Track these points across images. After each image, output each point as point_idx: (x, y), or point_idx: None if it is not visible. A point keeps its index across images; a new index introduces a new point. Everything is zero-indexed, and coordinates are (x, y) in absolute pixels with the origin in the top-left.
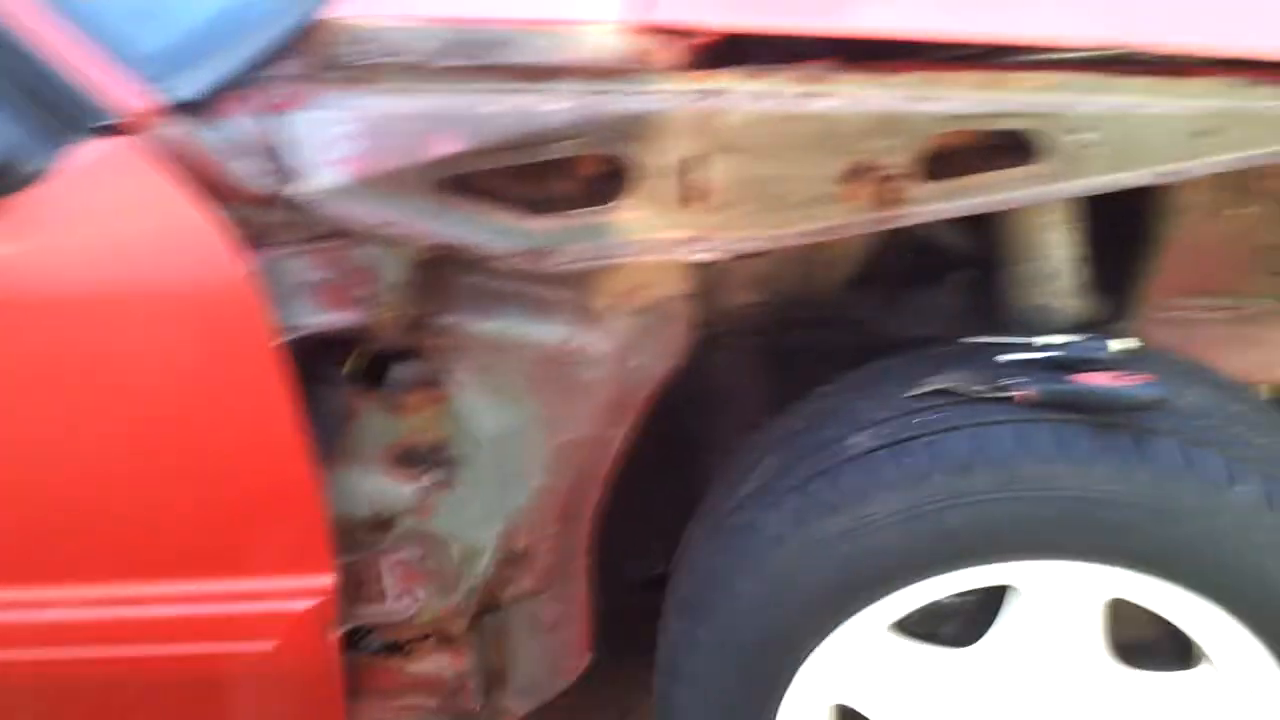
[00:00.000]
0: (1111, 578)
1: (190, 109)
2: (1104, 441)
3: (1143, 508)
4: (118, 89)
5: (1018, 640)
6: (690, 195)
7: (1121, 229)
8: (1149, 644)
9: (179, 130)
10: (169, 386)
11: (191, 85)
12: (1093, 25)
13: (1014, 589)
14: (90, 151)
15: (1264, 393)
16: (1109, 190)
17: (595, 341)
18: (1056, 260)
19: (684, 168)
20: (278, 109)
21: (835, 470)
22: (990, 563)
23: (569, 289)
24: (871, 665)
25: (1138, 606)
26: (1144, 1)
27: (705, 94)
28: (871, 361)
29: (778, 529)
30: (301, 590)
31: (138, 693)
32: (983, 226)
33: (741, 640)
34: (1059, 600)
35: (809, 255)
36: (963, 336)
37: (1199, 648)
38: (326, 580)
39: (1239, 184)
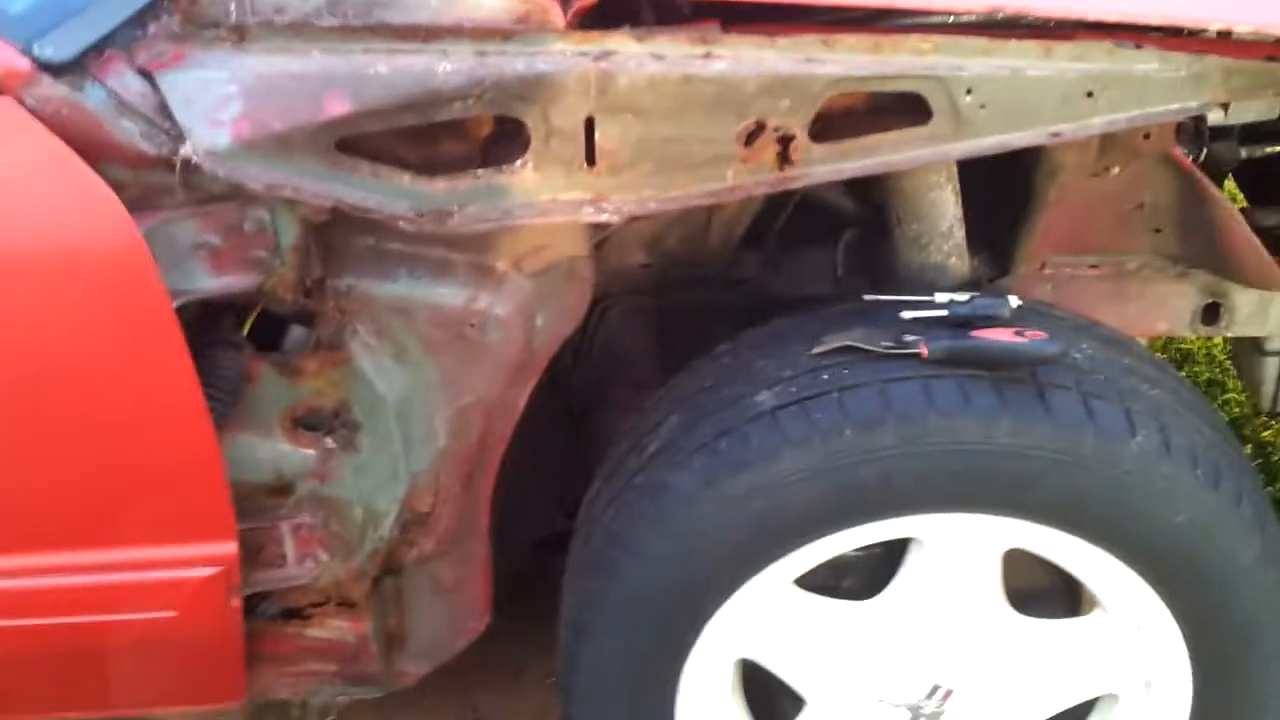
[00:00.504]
0: (1012, 529)
1: (68, 69)
2: (1007, 395)
3: (1046, 460)
4: None
5: (917, 592)
6: (588, 157)
7: (1003, 187)
8: (1041, 592)
9: (58, 90)
10: (61, 353)
11: (67, 45)
12: None
13: (915, 542)
14: None
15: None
16: (998, 150)
17: (496, 303)
18: (946, 220)
19: (580, 129)
20: (160, 68)
21: (744, 428)
22: (895, 517)
23: (468, 251)
24: (775, 620)
25: (1032, 556)
26: None
27: (599, 55)
28: (767, 320)
29: (688, 487)
30: (202, 558)
31: (42, 664)
32: (871, 187)
33: (650, 598)
34: (959, 552)
35: (699, 216)
36: (849, 295)
37: (1092, 595)
38: (229, 548)
39: (1120, 144)
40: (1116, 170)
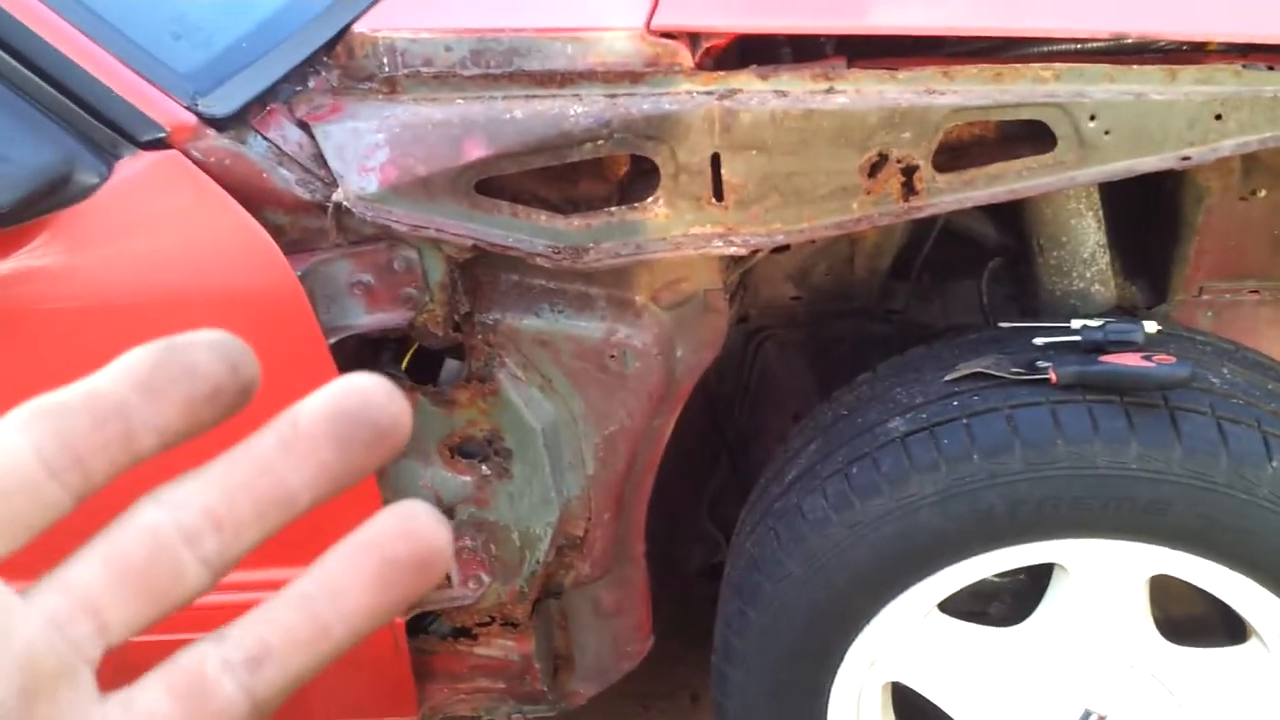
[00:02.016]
0: (1152, 555)
1: (232, 122)
2: (1137, 420)
3: (1178, 484)
4: (165, 105)
5: (1064, 618)
6: (715, 192)
7: (1156, 215)
8: (1200, 620)
9: (222, 143)
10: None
11: (230, 101)
12: (1102, 16)
13: (1059, 568)
14: (140, 164)
15: None
16: (1124, 176)
17: (635, 335)
18: (1088, 246)
19: (707, 165)
20: (317, 119)
21: (875, 454)
22: (1029, 542)
23: (607, 285)
24: (921, 645)
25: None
26: None
27: (723, 94)
28: (909, 349)
29: (820, 513)
30: None
31: None
32: (1013, 215)
33: (789, 622)
34: (1102, 578)
35: (843, 248)
36: (998, 323)
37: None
38: None
39: (1264, 166)
40: (1264, 193)
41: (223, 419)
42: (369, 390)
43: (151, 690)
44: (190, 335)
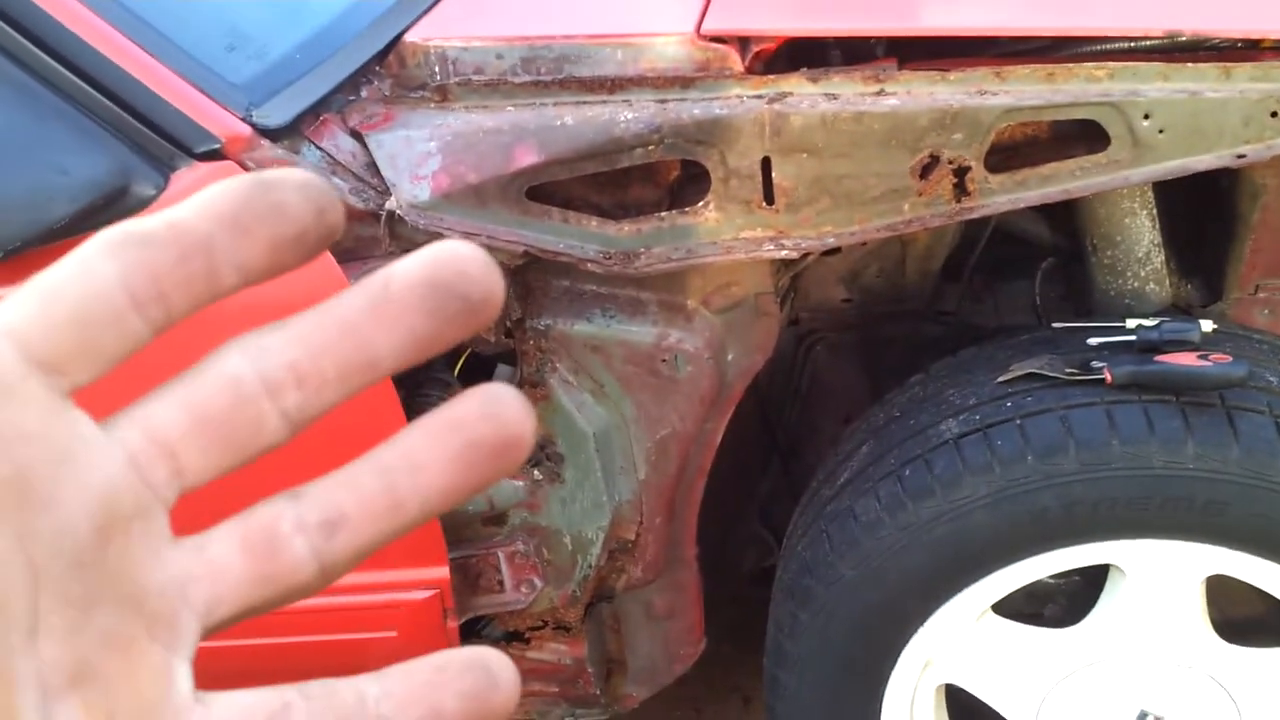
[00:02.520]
0: (1209, 555)
1: (285, 132)
2: (1193, 420)
3: (1236, 484)
4: (220, 117)
5: (1120, 619)
6: (766, 195)
7: (1211, 213)
8: (1259, 620)
9: (277, 152)
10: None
11: (284, 111)
12: (1155, 14)
13: (1114, 568)
14: (196, 175)
15: None
16: (1179, 175)
17: (686, 339)
18: (1143, 245)
19: (757, 169)
20: (369, 129)
21: (928, 456)
22: (1084, 543)
23: (658, 290)
24: (976, 647)
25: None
26: None
27: (773, 97)
28: (961, 350)
29: (872, 515)
30: (418, 582)
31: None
32: (1067, 215)
33: (842, 624)
34: (1158, 578)
35: (894, 250)
36: (1052, 324)
37: None
38: (441, 572)
39: None
40: None
41: (306, 261)
42: (465, 260)
43: (224, 540)
44: (279, 173)
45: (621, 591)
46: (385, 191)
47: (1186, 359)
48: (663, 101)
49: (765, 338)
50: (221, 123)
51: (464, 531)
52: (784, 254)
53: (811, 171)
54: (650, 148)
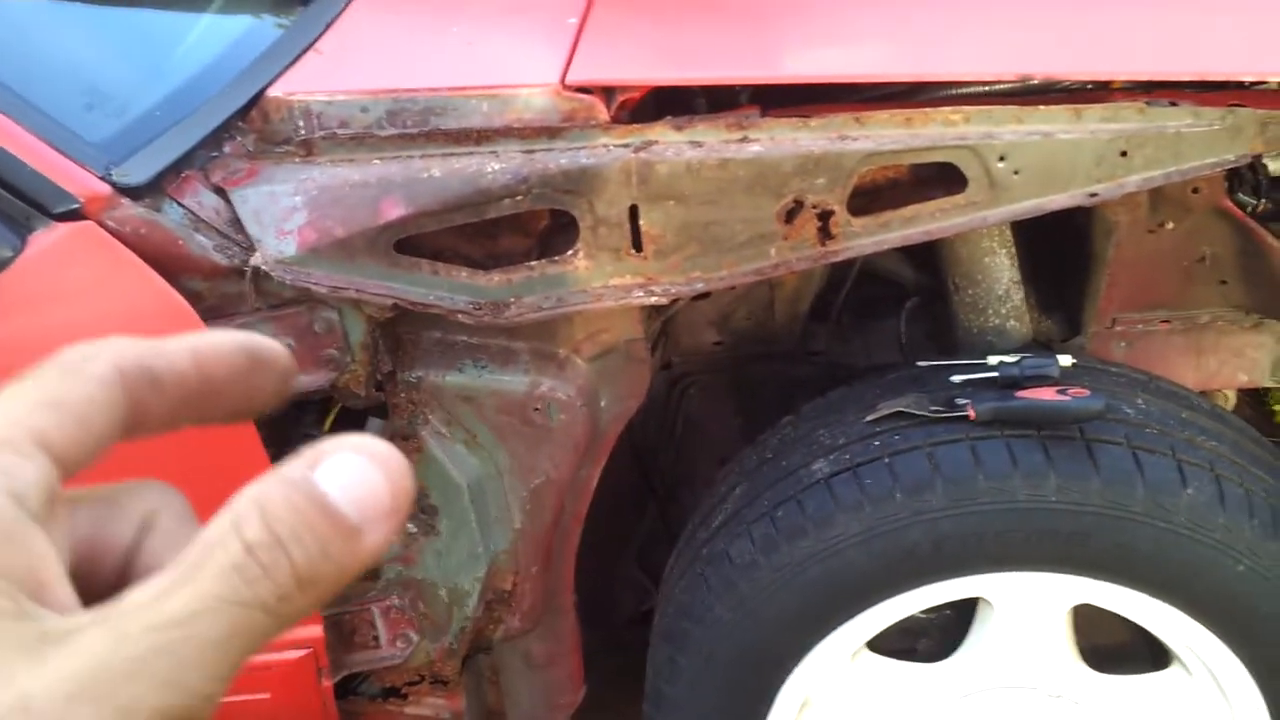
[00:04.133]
0: (1074, 585)
1: (147, 190)
2: (1055, 453)
3: (1097, 515)
4: (78, 176)
5: (989, 651)
6: (634, 243)
7: (1068, 250)
8: (1125, 647)
9: (137, 211)
10: (147, 459)
11: (145, 169)
12: (1009, 59)
13: (983, 602)
14: (54, 236)
15: (1229, 398)
16: (1034, 214)
17: (559, 387)
18: (1003, 283)
19: (625, 217)
20: (233, 184)
21: (801, 496)
22: (953, 577)
23: (530, 339)
24: (853, 683)
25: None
26: (1057, 34)
27: (639, 146)
28: (831, 390)
29: (747, 556)
30: (291, 641)
31: None
32: (929, 255)
33: (720, 666)
34: (1025, 610)
35: (762, 293)
36: (917, 362)
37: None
38: (314, 630)
39: (1170, 199)
40: (1171, 225)
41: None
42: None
43: None
44: (269, 353)
45: (499, 642)
46: (250, 248)
47: (1047, 394)
48: (530, 152)
49: (638, 383)
50: (80, 182)
51: None
52: (653, 300)
53: (679, 218)
54: (518, 198)
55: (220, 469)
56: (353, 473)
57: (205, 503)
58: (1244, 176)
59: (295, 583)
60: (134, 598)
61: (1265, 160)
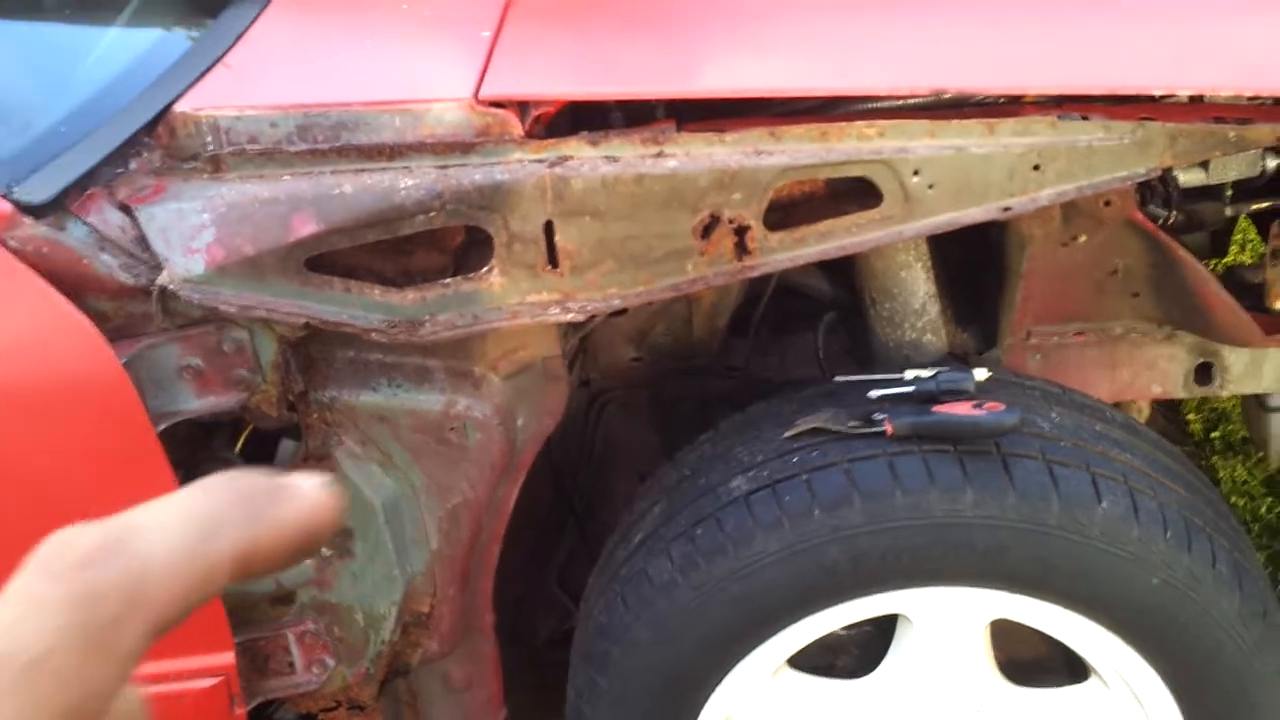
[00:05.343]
0: (991, 600)
1: (49, 209)
2: (971, 468)
3: (1013, 529)
4: None
5: (909, 667)
6: (550, 259)
7: (983, 263)
8: (1042, 661)
9: (39, 230)
10: (52, 480)
11: (47, 187)
12: (922, 73)
13: (903, 618)
14: None
15: (1143, 410)
16: (950, 228)
17: (475, 406)
18: (919, 297)
19: (540, 233)
20: (139, 202)
21: (719, 514)
22: (873, 593)
23: (445, 357)
24: (774, 702)
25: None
26: (970, 48)
27: (554, 161)
28: (750, 406)
29: (666, 576)
30: (202, 669)
31: None
32: (845, 269)
33: (641, 687)
34: (944, 625)
35: (680, 308)
36: (835, 377)
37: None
38: (227, 657)
39: (1082, 212)
40: (1084, 238)
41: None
42: None
43: None
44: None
45: (417, 665)
46: (157, 266)
47: (963, 408)
48: (443, 167)
49: (555, 401)
50: None
51: (250, 613)
52: (570, 317)
53: (595, 234)
54: (432, 214)
55: (130, 492)
56: None
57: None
58: (1155, 189)
59: None
60: None
61: (1176, 173)
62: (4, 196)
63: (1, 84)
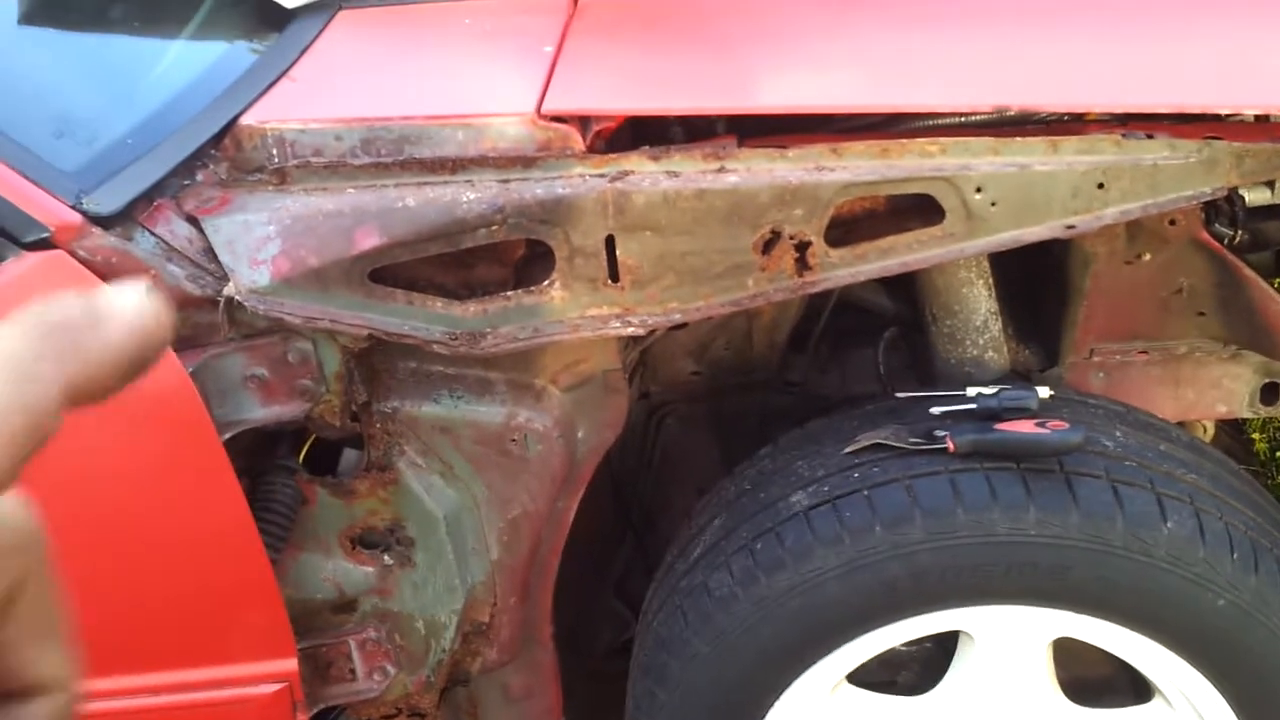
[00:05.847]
0: (1055, 619)
1: (118, 219)
2: (1034, 486)
3: (1076, 549)
4: (49, 205)
5: (970, 684)
6: (611, 273)
7: (1046, 280)
8: (1106, 681)
9: (108, 241)
10: (120, 489)
11: (116, 198)
12: (984, 90)
13: (964, 635)
14: (24, 266)
15: (1208, 430)
16: (1013, 246)
17: (536, 418)
18: (980, 314)
19: (601, 248)
20: (206, 213)
21: (780, 529)
22: (933, 610)
23: (507, 370)
24: (832, 717)
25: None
26: (1032, 65)
27: (615, 176)
28: (809, 421)
29: (726, 589)
30: (266, 675)
31: None
32: (907, 286)
33: (699, 700)
34: (1006, 643)
35: (740, 323)
36: (896, 393)
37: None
38: (290, 664)
39: (1147, 231)
40: (1148, 257)
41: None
42: None
43: None
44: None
45: (477, 674)
46: (223, 277)
47: (1026, 426)
48: (505, 181)
49: (615, 414)
50: (50, 211)
51: (313, 620)
52: (630, 331)
53: (655, 249)
54: (494, 228)
55: (196, 500)
56: None
57: (179, 533)
58: (1221, 208)
59: None
60: None
61: (1242, 192)
62: (73, 207)
63: (70, 96)
